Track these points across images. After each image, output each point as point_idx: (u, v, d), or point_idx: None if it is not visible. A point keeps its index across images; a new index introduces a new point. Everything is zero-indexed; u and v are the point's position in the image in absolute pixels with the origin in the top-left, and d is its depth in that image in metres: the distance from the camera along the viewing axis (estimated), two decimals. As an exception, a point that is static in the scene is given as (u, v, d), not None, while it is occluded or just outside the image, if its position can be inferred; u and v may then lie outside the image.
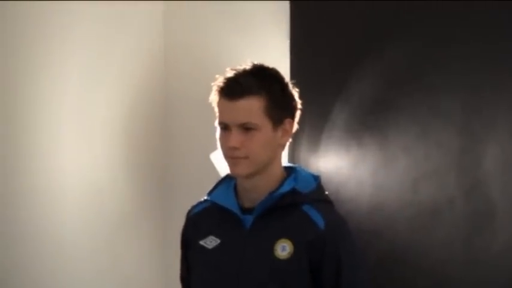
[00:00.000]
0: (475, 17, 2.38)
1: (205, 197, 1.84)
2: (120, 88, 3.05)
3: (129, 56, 3.09)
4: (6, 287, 2.50)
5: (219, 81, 1.67)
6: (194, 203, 1.89)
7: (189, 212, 1.87)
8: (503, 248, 2.32)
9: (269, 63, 1.73)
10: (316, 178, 1.78)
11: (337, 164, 2.74)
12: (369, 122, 2.66)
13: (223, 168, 1.99)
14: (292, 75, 2.25)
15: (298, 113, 1.75)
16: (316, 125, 2.76)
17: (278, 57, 2.66)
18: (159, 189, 3.17)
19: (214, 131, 1.73)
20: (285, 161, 1.90)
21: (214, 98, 1.68)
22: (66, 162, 2.77)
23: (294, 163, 2.21)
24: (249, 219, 1.70)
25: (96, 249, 2.89)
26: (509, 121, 2.34)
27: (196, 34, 3.09)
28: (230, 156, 1.67)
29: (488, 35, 2.36)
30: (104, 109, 2.96)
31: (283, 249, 1.67)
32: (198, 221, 1.84)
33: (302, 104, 1.76)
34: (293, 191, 1.70)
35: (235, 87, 1.65)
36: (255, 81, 1.65)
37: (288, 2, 2.75)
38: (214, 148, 2.26)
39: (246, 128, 1.64)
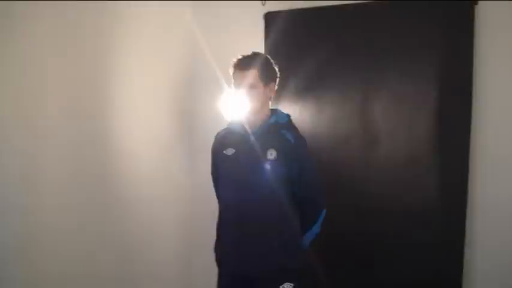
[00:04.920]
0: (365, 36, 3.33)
1: (226, 126, 2.67)
2: (166, 67, 3.64)
3: (174, 47, 3.72)
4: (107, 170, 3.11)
5: (234, 60, 2.51)
6: (208, 134, 2.78)
7: (217, 134, 2.70)
8: (382, 157, 3.29)
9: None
10: (288, 115, 2.64)
11: (292, 111, 3.06)
12: (310, 88, 3.51)
13: (228, 112, 2.76)
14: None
15: (278, 80, 2.61)
16: (279, 88, 2.99)
17: (259, 50, 3.09)
18: (188, 125, 3.85)
19: (222, 93, 2.58)
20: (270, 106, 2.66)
21: (231, 70, 2.52)
22: (135, 110, 3.32)
23: (275, 107, 2.74)
24: (251, 138, 2.53)
25: (154, 156, 3.50)
26: (386, 88, 3.29)
27: (209, 33, 3.75)
28: (240, 102, 2.50)
29: (376, 43, 3.31)
30: (157, 78, 3.53)
31: (271, 154, 2.49)
32: (222, 139, 2.65)
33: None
34: (276, 122, 2.55)
35: (243, 64, 2.49)
36: (253, 61, 2.50)
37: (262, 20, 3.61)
38: (221, 104, 3.00)
39: (249, 87, 2.48)
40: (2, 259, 2.48)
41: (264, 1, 3.64)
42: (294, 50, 3.55)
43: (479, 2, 3.02)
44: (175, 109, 3.79)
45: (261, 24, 3.66)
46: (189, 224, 3.83)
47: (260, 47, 3.59)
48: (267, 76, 2.55)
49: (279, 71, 2.66)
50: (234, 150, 2.59)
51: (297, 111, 3.51)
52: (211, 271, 2.76)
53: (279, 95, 3.46)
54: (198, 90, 3.91)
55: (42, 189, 2.69)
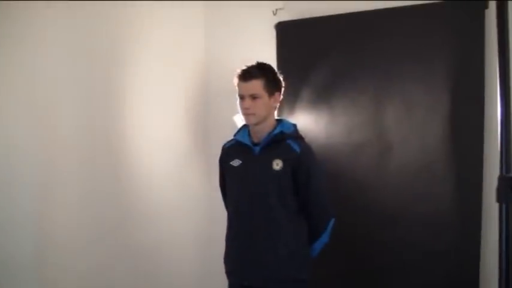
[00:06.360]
0: (377, 43, 3.31)
1: (232, 137, 2.69)
2: (180, 77, 3.72)
3: (187, 57, 3.79)
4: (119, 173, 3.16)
5: (238, 71, 2.54)
6: (223, 142, 2.78)
7: (223, 146, 2.73)
8: (396, 165, 3.25)
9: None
10: (294, 125, 2.65)
11: (304, 120, 3.44)
12: (322, 96, 3.50)
13: (240, 122, 2.75)
14: (279, 69, 2.69)
15: (282, 89, 2.61)
16: (292, 97, 3.46)
17: (271, 60, 3.28)
18: (203, 134, 3.89)
19: (235, 103, 2.59)
20: (276, 116, 2.68)
21: (235, 80, 2.54)
22: (150, 121, 3.39)
23: (280, 117, 2.80)
24: (257, 149, 2.55)
25: (170, 167, 3.58)
26: (399, 95, 3.25)
27: (222, 43, 3.86)
28: (245, 113, 2.53)
29: (385, 52, 3.29)
30: (171, 88, 3.62)
31: (277, 164, 2.49)
32: (228, 151, 2.67)
33: (284, 85, 2.63)
34: (281, 132, 2.55)
35: (247, 74, 2.51)
36: (258, 71, 2.52)
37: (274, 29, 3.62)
38: (235, 113, 3.00)
39: (253, 97, 2.49)
40: (17, 266, 2.53)
41: (276, 10, 3.65)
42: (306, 59, 3.55)
43: (490, 4, 2.95)
44: (190, 120, 3.82)
45: (272, 34, 3.66)
46: (206, 236, 3.84)
47: (272, 57, 3.59)
48: (272, 86, 2.56)
49: (291, 80, 2.67)
50: (240, 161, 2.61)
51: (312, 121, 3.52)
52: (227, 283, 2.75)
53: (293, 105, 3.55)
54: (212, 101, 3.93)
55: (57, 199, 2.74)
